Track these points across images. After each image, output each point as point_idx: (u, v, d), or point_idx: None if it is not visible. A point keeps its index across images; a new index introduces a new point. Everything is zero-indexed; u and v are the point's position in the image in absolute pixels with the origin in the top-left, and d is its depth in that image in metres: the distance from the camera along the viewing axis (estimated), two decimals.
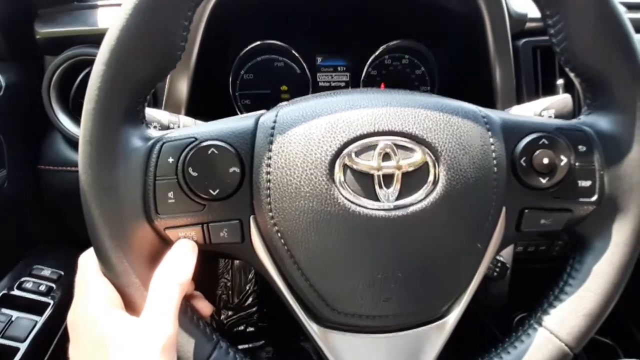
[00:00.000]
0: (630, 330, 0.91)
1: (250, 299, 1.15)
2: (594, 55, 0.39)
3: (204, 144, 0.36)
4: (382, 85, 0.86)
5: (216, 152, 0.36)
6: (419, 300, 0.38)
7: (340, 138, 0.36)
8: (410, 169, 0.36)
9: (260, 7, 0.73)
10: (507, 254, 0.59)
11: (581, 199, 0.39)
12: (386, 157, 0.36)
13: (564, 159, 0.39)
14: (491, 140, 0.38)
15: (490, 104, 0.67)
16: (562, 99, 0.47)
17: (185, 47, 0.37)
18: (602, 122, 0.40)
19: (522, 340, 0.40)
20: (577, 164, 0.39)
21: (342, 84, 0.86)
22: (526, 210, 0.39)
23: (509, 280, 0.67)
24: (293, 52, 0.81)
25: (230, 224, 0.37)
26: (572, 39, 0.39)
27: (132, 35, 0.34)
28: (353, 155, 0.36)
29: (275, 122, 0.37)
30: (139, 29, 0.34)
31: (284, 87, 0.84)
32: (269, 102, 0.86)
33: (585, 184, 0.39)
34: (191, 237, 0.37)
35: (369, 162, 0.36)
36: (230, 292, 1.15)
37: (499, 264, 0.50)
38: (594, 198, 0.39)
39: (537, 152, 0.38)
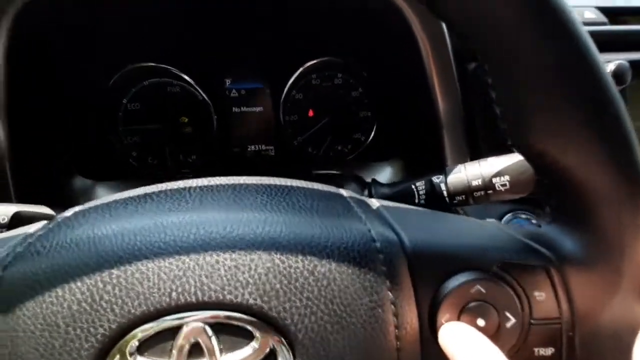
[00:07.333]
0: None
1: None
2: (553, 145, 0.21)
3: None
4: (311, 112, 0.69)
5: None
6: None
7: (105, 321, 0.19)
8: None
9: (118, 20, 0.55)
10: None
11: None
12: (196, 351, 0.19)
13: (512, 319, 0.22)
14: (391, 295, 0.21)
15: (435, 137, 0.51)
16: (519, 162, 0.34)
17: None
18: (567, 241, 0.23)
19: None
20: (532, 322, 0.23)
21: (262, 112, 0.68)
22: None
23: None
24: (181, 74, 0.63)
25: None
26: (517, 113, 0.21)
27: None
28: (134, 350, 0.19)
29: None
30: None
31: (184, 119, 0.66)
32: (164, 139, 0.70)
33: (546, 352, 0.23)
34: None
35: None
36: None
37: None
38: None
39: (467, 307, 0.22)
